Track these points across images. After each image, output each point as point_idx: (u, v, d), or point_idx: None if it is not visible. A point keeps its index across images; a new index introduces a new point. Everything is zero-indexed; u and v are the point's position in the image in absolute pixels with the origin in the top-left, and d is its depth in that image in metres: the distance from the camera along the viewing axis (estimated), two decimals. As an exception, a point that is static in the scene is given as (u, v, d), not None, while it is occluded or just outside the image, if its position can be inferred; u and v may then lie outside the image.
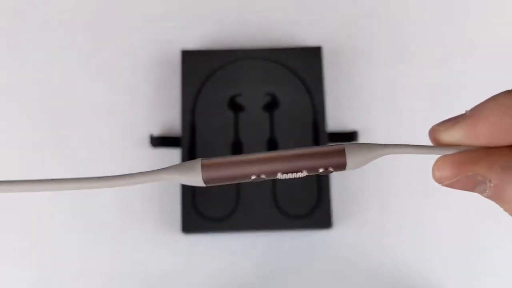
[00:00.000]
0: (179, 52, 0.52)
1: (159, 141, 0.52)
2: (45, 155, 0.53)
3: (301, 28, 0.56)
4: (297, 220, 0.48)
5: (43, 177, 0.20)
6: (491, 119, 0.17)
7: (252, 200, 0.49)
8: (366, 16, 0.56)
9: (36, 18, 0.56)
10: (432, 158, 0.20)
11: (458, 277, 0.50)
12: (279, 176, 0.20)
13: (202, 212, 0.48)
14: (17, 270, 0.50)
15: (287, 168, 0.20)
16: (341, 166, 0.20)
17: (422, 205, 0.51)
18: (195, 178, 0.20)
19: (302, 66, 0.51)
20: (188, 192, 0.49)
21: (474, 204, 0.50)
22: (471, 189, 0.18)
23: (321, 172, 0.20)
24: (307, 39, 0.55)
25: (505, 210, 0.18)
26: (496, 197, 0.18)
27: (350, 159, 0.20)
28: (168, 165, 0.21)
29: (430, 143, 0.20)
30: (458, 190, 0.19)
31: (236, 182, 0.21)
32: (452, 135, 0.18)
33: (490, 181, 0.18)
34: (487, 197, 0.18)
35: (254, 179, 0.20)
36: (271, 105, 0.51)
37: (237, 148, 0.50)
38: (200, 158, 0.21)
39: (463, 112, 0.19)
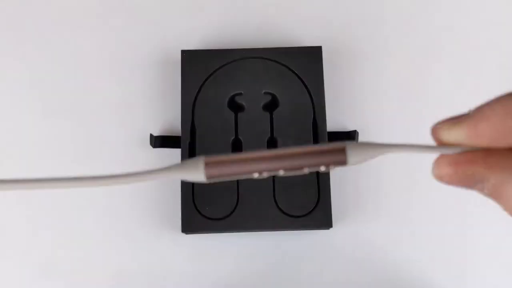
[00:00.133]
0: (179, 52, 0.52)
1: (159, 141, 0.52)
2: (45, 155, 0.53)
3: (301, 28, 0.56)
4: (297, 220, 0.48)
5: (44, 176, 0.21)
6: (493, 121, 0.17)
7: (252, 200, 0.49)
8: (366, 16, 0.56)
9: (36, 18, 0.56)
10: (432, 158, 0.20)
11: (458, 276, 0.50)
12: (281, 173, 0.21)
13: (202, 212, 0.48)
14: (17, 269, 0.50)
15: (289, 166, 0.20)
16: (342, 163, 0.20)
17: (423, 205, 0.51)
18: (198, 176, 0.21)
19: (302, 66, 0.51)
20: (188, 192, 0.49)
21: (475, 204, 0.50)
22: (471, 186, 0.19)
23: (322, 169, 0.20)
24: (307, 39, 0.55)
25: (504, 209, 0.18)
26: (494, 196, 0.18)
27: (351, 157, 0.20)
28: (168, 165, 0.21)
29: (430, 143, 0.20)
30: (458, 190, 0.19)
31: (238, 178, 0.21)
32: (454, 135, 0.18)
33: (488, 180, 0.18)
34: (486, 195, 0.18)
35: (257, 176, 0.21)
36: (271, 105, 0.51)
37: (237, 148, 0.50)
38: (203, 156, 0.21)
39: (465, 111, 0.19)
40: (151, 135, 0.52)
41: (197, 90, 0.51)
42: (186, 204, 0.48)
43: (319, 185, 0.49)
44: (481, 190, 0.18)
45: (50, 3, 0.57)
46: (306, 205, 0.48)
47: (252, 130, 0.50)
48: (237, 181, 0.49)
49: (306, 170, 0.20)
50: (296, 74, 0.51)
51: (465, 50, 0.55)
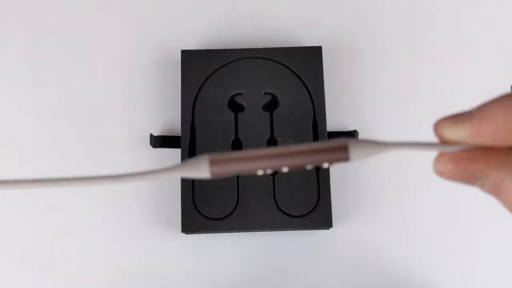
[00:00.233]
0: (179, 52, 0.52)
1: (159, 141, 0.52)
2: (45, 155, 0.53)
3: (301, 28, 0.56)
4: (297, 220, 0.48)
5: (43, 175, 0.21)
6: (494, 120, 0.18)
7: (252, 200, 0.49)
8: (366, 16, 0.56)
9: (36, 19, 0.56)
10: (433, 156, 0.20)
11: (458, 276, 0.50)
12: (285, 169, 0.21)
13: (202, 212, 0.48)
14: (17, 269, 0.50)
15: (293, 163, 0.21)
16: (344, 160, 0.20)
17: (423, 205, 0.51)
18: (203, 174, 0.21)
19: (302, 66, 0.51)
20: (188, 192, 0.49)
21: (476, 204, 0.50)
22: (472, 183, 0.19)
23: (325, 166, 0.21)
24: (307, 39, 0.55)
25: (505, 206, 0.18)
26: (495, 193, 0.18)
27: (353, 154, 0.20)
28: (168, 165, 0.21)
29: (431, 141, 0.20)
30: (458, 189, 0.19)
31: (241, 175, 0.22)
32: (456, 133, 0.19)
33: (488, 177, 0.18)
34: (486, 192, 0.19)
35: (261, 173, 0.21)
36: (271, 105, 0.51)
37: (237, 148, 0.50)
38: (208, 154, 0.21)
39: (467, 109, 0.19)
40: (151, 135, 0.52)
41: (197, 90, 0.51)
42: (186, 204, 0.48)
43: (319, 185, 0.49)
44: (481, 187, 0.19)
45: (50, 4, 0.57)
46: (306, 205, 0.48)
47: (252, 130, 0.50)
48: (237, 181, 0.49)
49: (309, 167, 0.21)
50: (296, 74, 0.51)
51: (465, 50, 0.55)
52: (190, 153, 0.50)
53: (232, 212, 0.48)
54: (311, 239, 0.50)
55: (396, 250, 0.50)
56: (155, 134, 0.52)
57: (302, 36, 0.55)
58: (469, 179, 0.19)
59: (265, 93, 0.51)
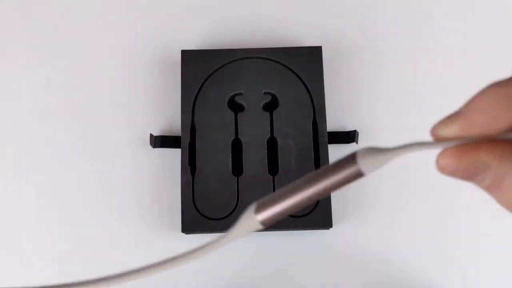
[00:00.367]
0: (179, 52, 0.52)
1: (159, 141, 0.52)
2: (45, 155, 0.53)
3: (301, 28, 0.56)
4: (297, 220, 0.48)
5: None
6: (481, 108, 0.19)
7: (252, 200, 0.48)
8: (366, 17, 0.56)
9: (36, 19, 0.56)
10: (433, 157, 0.20)
11: (458, 276, 0.50)
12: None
13: (202, 212, 0.48)
14: (16, 268, 0.50)
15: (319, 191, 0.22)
16: (359, 176, 0.21)
17: (422, 205, 0.51)
18: (255, 227, 0.23)
19: (302, 66, 0.51)
20: (188, 192, 0.49)
21: (476, 205, 0.50)
22: (472, 177, 0.19)
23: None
24: (307, 39, 0.55)
25: (501, 202, 0.19)
26: (494, 187, 0.19)
27: (365, 169, 0.20)
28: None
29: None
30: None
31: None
32: (451, 130, 0.19)
33: (490, 168, 0.18)
34: (485, 187, 0.19)
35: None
36: (271, 105, 0.51)
37: (237, 147, 0.50)
38: (252, 210, 0.23)
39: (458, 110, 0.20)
40: (151, 135, 0.52)
41: (197, 90, 0.51)
42: (186, 204, 0.48)
43: (319, 185, 0.49)
44: (481, 182, 0.19)
45: (50, 5, 0.57)
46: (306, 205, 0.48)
47: (252, 130, 0.50)
48: (237, 181, 0.49)
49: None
50: (296, 74, 0.51)
51: (465, 50, 0.55)
52: (190, 153, 0.50)
53: (232, 212, 0.48)
54: (311, 239, 0.50)
55: (396, 250, 0.50)
56: (155, 134, 0.52)
57: (302, 36, 0.55)
58: (470, 173, 0.19)
59: (265, 93, 0.51)
